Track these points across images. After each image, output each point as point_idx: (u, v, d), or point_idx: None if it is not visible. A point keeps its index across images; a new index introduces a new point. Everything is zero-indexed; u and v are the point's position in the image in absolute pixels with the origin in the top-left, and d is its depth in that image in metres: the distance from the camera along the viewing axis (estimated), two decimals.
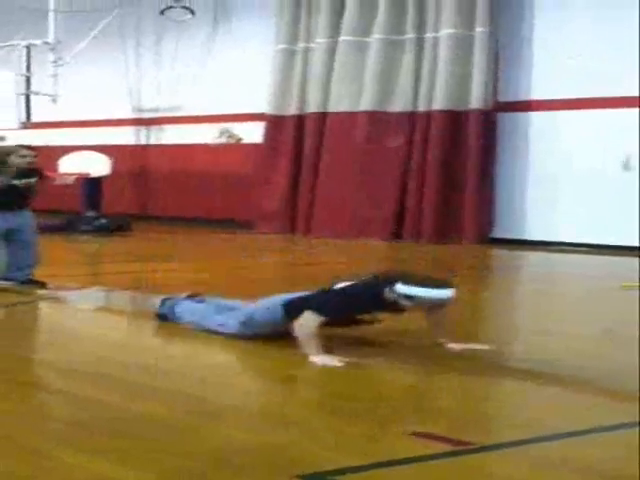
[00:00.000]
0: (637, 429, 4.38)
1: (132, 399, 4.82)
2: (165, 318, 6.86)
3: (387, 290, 5.61)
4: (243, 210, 17.24)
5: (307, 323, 5.71)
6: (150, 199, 19.30)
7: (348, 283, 5.95)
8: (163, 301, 6.95)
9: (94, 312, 8.28)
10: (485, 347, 6.01)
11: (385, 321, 6.15)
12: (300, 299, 5.98)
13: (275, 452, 3.94)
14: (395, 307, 5.70)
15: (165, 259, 12.22)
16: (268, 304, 6.17)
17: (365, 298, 5.80)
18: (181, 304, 6.85)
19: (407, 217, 15.61)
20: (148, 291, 8.73)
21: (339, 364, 5.50)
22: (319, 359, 5.56)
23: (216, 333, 6.38)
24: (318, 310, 5.72)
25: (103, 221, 16.53)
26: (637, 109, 14.01)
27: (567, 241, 14.53)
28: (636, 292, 9.20)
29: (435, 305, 5.72)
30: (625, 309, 8.40)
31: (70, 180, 10.76)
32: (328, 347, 5.71)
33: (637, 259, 12.76)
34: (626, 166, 14.18)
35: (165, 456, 3.86)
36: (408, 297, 5.55)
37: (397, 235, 15.60)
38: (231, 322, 6.34)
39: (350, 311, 5.96)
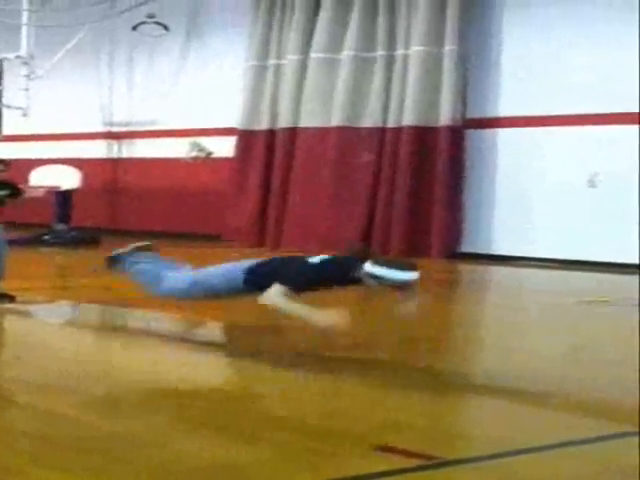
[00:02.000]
0: (603, 443, 4.46)
1: (102, 414, 4.82)
2: (116, 263, 7.06)
3: (357, 268, 5.83)
4: (213, 224, 17.29)
5: (278, 296, 5.87)
6: (120, 213, 19.31)
7: (321, 257, 6.12)
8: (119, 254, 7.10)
9: (63, 326, 8.30)
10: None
11: (351, 335, 6.21)
12: (262, 267, 6.20)
13: (242, 469, 3.95)
14: (361, 283, 5.92)
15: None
16: (226, 270, 6.37)
17: (335, 274, 6.01)
18: (132, 262, 6.97)
19: (375, 232, 15.72)
20: (116, 304, 8.77)
21: (345, 318, 5.61)
22: (319, 317, 5.73)
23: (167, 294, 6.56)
24: (287, 283, 5.89)
25: (73, 234, 16.52)
26: (605, 126, 14.19)
27: (534, 256, 14.66)
28: (599, 307, 9.35)
29: (398, 286, 5.89)
30: (589, 324, 8.54)
31: (40, 193, 10.77)
32: (296, 362, 5.76)
33: (602, 274, 12.96)
34: (591, 183, 14.35)
35: (136, 473, 3.86)
36: (374, 277, 5.77)
37: None
38: (180, 282, 6.54)
39: (318, 284, 6.08)
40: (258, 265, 6.26)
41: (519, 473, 4.00)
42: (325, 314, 5.73)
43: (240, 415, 5.12)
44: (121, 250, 7.14)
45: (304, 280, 5.98)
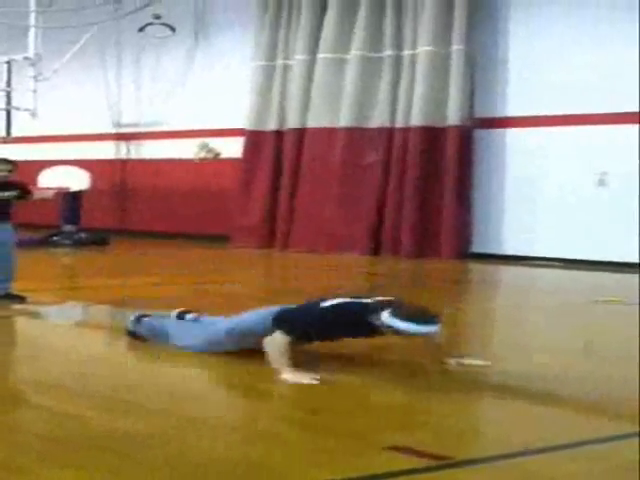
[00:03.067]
0: (613, 443, 4.45)
1: (110, 414, 4.83)
2: (135, 335, 6.79)
3: (374, 317, 5.58)
4: (222, 225, 17.29)
5: (275, 343, 5.72)
6: (129, 214, 19.33)
7: (335, 301, 5.87)
8: (138, 318, 6.84)
9: (72, 327, 8.30)
10: (480, 362, 6.02)
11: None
12: (288, 312, 5.95)
13: (254, 467, 3.96)
14: (378, 332, 5.70)
15: (143, 274, 12.23)
16: (256, 315, 6.12)
17: (349, 323, 5.77)
18: (161, 322, 6.75)
19: (385, 232, 15.70)
20: (125, 306, 8.76)
21: (311, 381, 5.50)
22: (290, 376, 5.56)
23: (195, 350, 6.35)
24: (289, 332, 5.72)
25: (82, 235, 16.55)
26: (613, 126, 14.16)
27: (544, 256, 14.62)
28: (610, 306, 9.33)
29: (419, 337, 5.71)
30: (600, 324, 8.52)
31: (49, 195, 10.75)
32: (302, 362, 5.73)
33: (612, 274, 12.92)
34: (601, 182, 14.32)
35: (144, 471, 3.88)
36: (390, 328, 5.54)
37: (375, 250, 15.67)
38: (212, 335, 6.29)
39: (331, 335, 5.92)
40: (285, 310, 6.01)
41: (531, 473, 3.99)
42: (296, 374, 5.56)
43: (249, 414, 5.17)
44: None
45: (307, 332, 5.81)
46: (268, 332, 5.87)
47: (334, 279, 12.42)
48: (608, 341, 7.49)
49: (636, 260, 13.52)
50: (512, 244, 15.17)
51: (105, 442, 4.30)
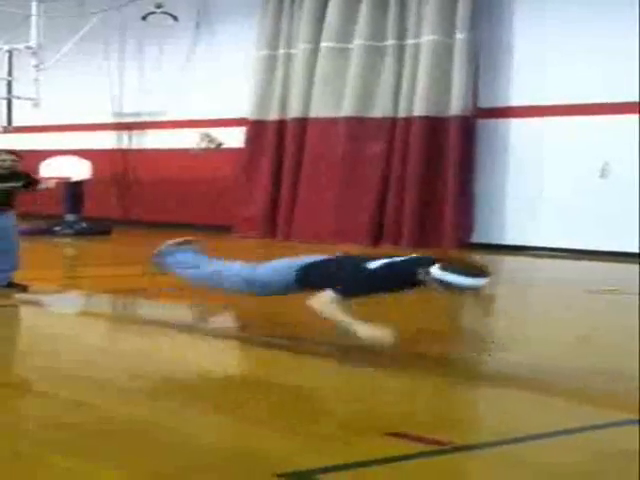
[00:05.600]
0: (609, 430, 4.49)
1: (116, 401, 4.86)
2: (160, 266, 6.91)
3: (422, 272, 5.61)
4: (224, 215, 17.27)
5: (329, 304, 5.69)
6: (131, 203, 19.30)
7: (383, 261, 5.88)
8: (160, 251, 6.95)
9: (75, 316, 8.33)
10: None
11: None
12: (316, 267, 5.98)
13: (255, 452, 3.99)
14: (422, 286, 5.72)
15: (143, 263, 12.21)
16: (278, 266, 6.15)
17: (392, 281, 5.79)
18: (174, 255, 6.83)
19: (387, 221, 15.68)
20: (128, 295, 8.78)
21: (388, 337, 5.49)
22: (365, 331, 5.56)
23: (212, 288, 6.42)
24: (343, 292, 5.71)
25: (84, 225, 16.56)
26: (616, 116, 14.13)
27: (546, 246, 14.62)
28: (611, 297, 9.33)
29: (462, 291, 5.69)
30: (599, 313, 8.55)
31: (51, 184, 10.74)
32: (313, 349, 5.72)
33: (613, 263, 12.93)
34: (603, 172, 14.30)
35: (151, 457, 3.91)
36: (441, 282, 5.55)
37: (377, 239, 15.66)
38: (233, 278, 6.32)
39: (372, 292, 5.91)
40: (312, 265, 6.04)
41: (527, 459, 4.02)
42: (368, 328, 5.56)
43: (253, 401, 5.15)
44: (161, 247, 7.00)
45: (356, 288, 5.80)
46: (288, 285, 5.95)
47: None
48: (606, 331, 7.49)
49: (636, 250, 13.51)
50: (514, 234, 15.16)
51: (111, 429, 4.33)
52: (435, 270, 5.57)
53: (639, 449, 4.06)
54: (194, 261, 6.70)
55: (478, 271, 5.66)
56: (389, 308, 6.77)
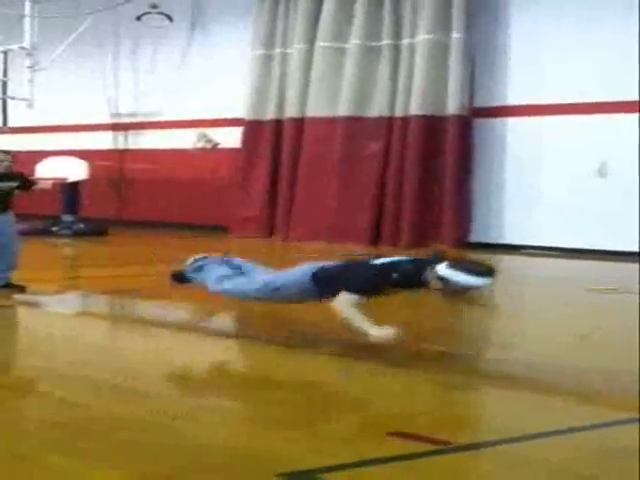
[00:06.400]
0: (609, 429, 4.49)
1: (113, 401, 4.85)
2: (183, 279, 6.88)
3: (428, 270, 5.62)
4: (221, 215, 17.25)
5: (347, 305, 5.71)
6: (128, 204, 19.27)
7: (388, 259, 5.93)
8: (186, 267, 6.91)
9: (73, 316, 8.29)
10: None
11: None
12: (330, 269, 6.01)
13: (254, 452, 3.98)
14: (426, 286, 5.72)
15: (141, 263, 12.21)
16: (296, 271, 6.19)
17: (401, 277, 5.77)
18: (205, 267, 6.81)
19: (385, 221, 15.67)
20: (125, 295, 8.76)
21: (396, 335, 5.50)
22: (376, 332, 5.56)
23: (231, 295, 6.43)
24: (356, 291, 5.72)
25: (81, 225, 16.55)
26: (613, 115, 14.13)
27: (544, 245, 14.60)
28: (611, 296, 9.32)
29: (465, 290, 5.69)
30: (596, 312, 8.52)
31: (48, 185, 10.73)
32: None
33: (611, 262, 12.93)
34: (601, 172, 14.28)
35: (148, 457, 3.89)
36: (448, 280, 5.54)
37: (375, 239, 15.64)
38: (250, 285, 6.35)
39: (384, 289, 5.90)
40: (325, 267, 6.09)
41: (527, 458, 4.02)
42: (384, 331, 5.56)
43: (252, 400, 5.19)
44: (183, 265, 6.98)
45: (370, 285, 5.80)
46: (305, 289, 5.98)
47: None
48: (604, 330, 7.45)
49: (635, 249, 13.50)
50: (511, 233, 15.15)
51: (107, 429, 4.32)
52: (442, 268, 5.56)
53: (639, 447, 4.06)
54: (215, 270, 6.70)
55: (485, 270, 5.66)
56: (396, 307, 6.72)
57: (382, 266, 5.85)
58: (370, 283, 5.80)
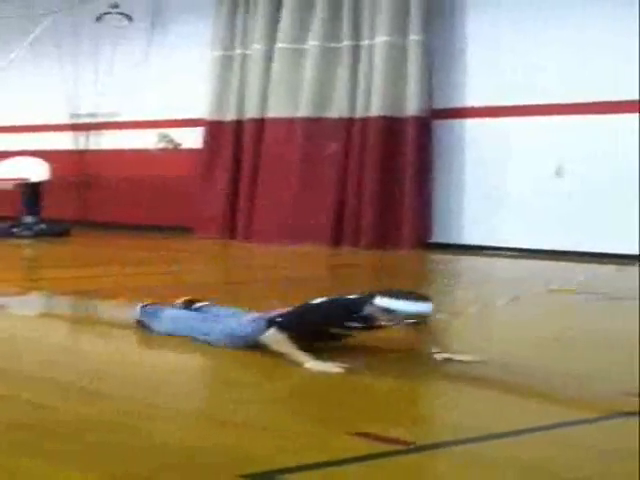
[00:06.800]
0: (583, 427, 4.57)
1: (79, 403, 4.85)
2: (144, 325, 6.72)
3: (367, 305, 5.63)
4: (184, 216, 17.23)
5: (275, 340, 5.69)
6: (90, 205, 19.19)
7: (324, 298, 5.95)
8: (143, 308, 6.80)
9: (35, 318, 8.27)
10: (468, 358, 5.89)
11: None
12: (281, 314, 5.93)
13: (219, 452, 4.00)
14: (372, 322, 5.73)
15: (104, 265, 12.19)
16: (253, 318, 6.12)
17: (338, 312, 5.80)
18: (165, 311, 6.72)
19: (345, 222, 15.72)
20: (88, 297, 8.76)
21: (337, 370, 5.47)
22: (313, 365, 5.52)
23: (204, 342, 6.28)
24: (282, 327, 5.71)
25: (42, 226, 16.44)
26: (571, 116, 14.28)
27: (504, 246, 14.71)
28: (566, 296, 9.41)
29: (412, 319, 5.67)
30: (561, 314, 8.61)
31: (9, 186, 10.70)
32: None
33: (570, 263, 13.07)
34: (558, 173, 14.44)
35: (113, 460, 3.89)
36: (387, 310, 5.57)
37: (336, 241, 15.68)
38: (215, 334, 6.21)
39: (320, 325, 5.91)
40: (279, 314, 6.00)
41: (490, 456, 4.06)
42: (319, 363, 5.54)
43: (218, 400, 5.21)
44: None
45: (301, 323, 5.78)
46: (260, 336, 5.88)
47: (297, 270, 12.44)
48: (571, 331, 7.54)
49: (594, 250, 13.70)
50: (472, 234, 15.25)
51: (74, 431, 4.32)
52: (378, 299, 5.59)
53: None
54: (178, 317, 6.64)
55: (420, 296, 5.69)
56: None
57: (318, 305, 5.85)
58: (301, 319, 5.79)
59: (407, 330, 5.96)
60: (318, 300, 5.94)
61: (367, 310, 5.66)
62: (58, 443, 4.10)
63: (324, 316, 5.85)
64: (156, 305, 6.84)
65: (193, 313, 6.70)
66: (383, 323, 5.73)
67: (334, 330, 5.95)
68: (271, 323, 5.83)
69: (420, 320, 5.74)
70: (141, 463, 3.84)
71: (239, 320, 6.24)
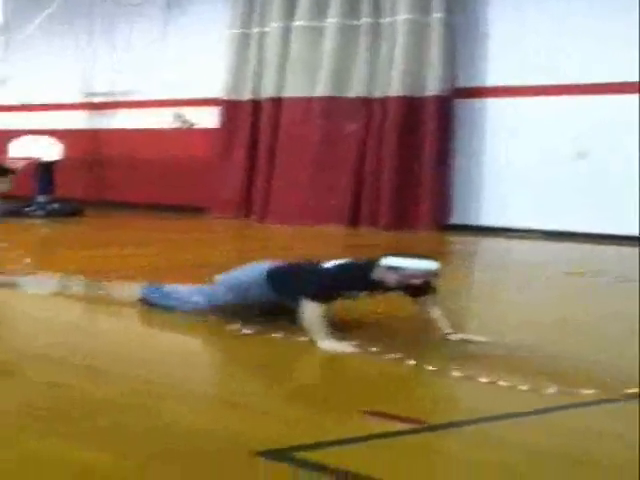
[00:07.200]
0: (583, 410, 4.52)
1: (91, 383, 4.79)
2: (146, 302, 6.78)
3: (375, 268, 5.67)
4: (199, 196, 17.07)
5: (312, 314, 5.66)
6: (103, 184, 19.06)
7: (336, 262, 5.95)
8: (148, 286, 6.89)
9: (49, 297, 8.17)
10: (482, 339, 5.94)
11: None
12: (285, 271, 6.08)
13: (233, 433, 3.96)
14: (381, 285, 5.74)
15: (118, 245, 12.10)
16: (252, 270, 6.23)
17: (354, 278, 5.82)
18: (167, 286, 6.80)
19: (363, 203, 15.55)
20: (101, 277, 8.64)
21: (350, 349, 5.49)
22: (328, 345, 5.53)
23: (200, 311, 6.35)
24: (316, 298, 5.69)
25: (55, 206, 16.34)
26: (594, 96, 14.08)
27: (523, 227, 14.56)
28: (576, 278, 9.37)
29: (421, 278, 5.67)
30: (575, 296, 8.52)
31: (21, 165, 10.52)
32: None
33: (587, 245, 12.96)
34: (580, 154, 14.25)
35: (129, 439, 3.85)
36: (393, 269, 5.59)
37: (354, 222, 15.53)
38: (216, 294, 6.34)
39: (339, 292, 5.90)
40: (278, 267, 6.16)
41: (504, 437, 4.03)
42: (339, 346, 5.53)
43: (224, 381, 5.20)
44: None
45: (327, 292, 5.79)
46: (263, 288, 6.03)
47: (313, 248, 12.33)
48: (581, 313, 7.49)
49: (610, 232, 13.52)
50: (491, 215, 15.09)
51: (86, 411, 4.26)
52: (384, 259, 5.64)
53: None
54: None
55: (427, 257, 5.78)
56: None
57: (333, 270, 5.88)
58: (326, 290, 5.80)
59: (421, 310, 6.01)
60: (328, 264, 5.94)
61: (375, 273, 5.69)
62: (70, 424, 4.05)
63: (349, 284, 5.85)
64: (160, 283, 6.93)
65: (197, 286, 6.76)
66: (390, 284, 5.70)
67: (344, 294, 5.97)
68: (276, 277, 5.98)
69: (427, 279, 5.74)
70: (156, 444, 3.79)
71: (243, 270, 6.37)
